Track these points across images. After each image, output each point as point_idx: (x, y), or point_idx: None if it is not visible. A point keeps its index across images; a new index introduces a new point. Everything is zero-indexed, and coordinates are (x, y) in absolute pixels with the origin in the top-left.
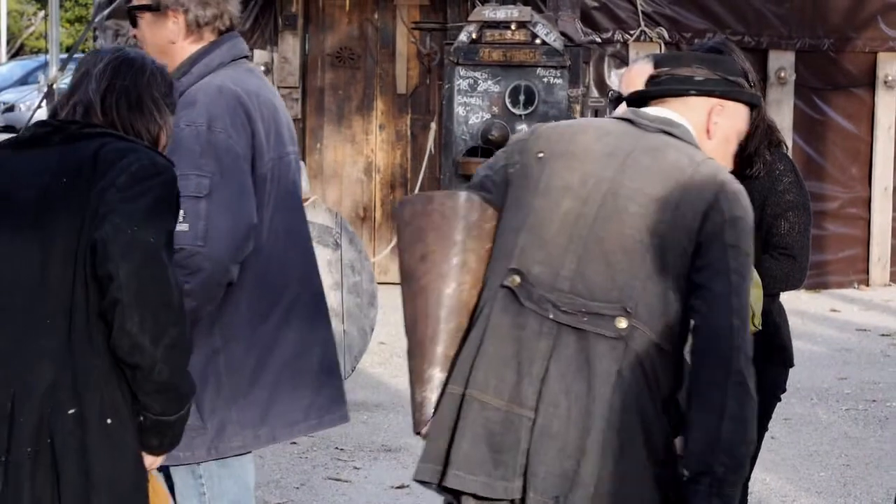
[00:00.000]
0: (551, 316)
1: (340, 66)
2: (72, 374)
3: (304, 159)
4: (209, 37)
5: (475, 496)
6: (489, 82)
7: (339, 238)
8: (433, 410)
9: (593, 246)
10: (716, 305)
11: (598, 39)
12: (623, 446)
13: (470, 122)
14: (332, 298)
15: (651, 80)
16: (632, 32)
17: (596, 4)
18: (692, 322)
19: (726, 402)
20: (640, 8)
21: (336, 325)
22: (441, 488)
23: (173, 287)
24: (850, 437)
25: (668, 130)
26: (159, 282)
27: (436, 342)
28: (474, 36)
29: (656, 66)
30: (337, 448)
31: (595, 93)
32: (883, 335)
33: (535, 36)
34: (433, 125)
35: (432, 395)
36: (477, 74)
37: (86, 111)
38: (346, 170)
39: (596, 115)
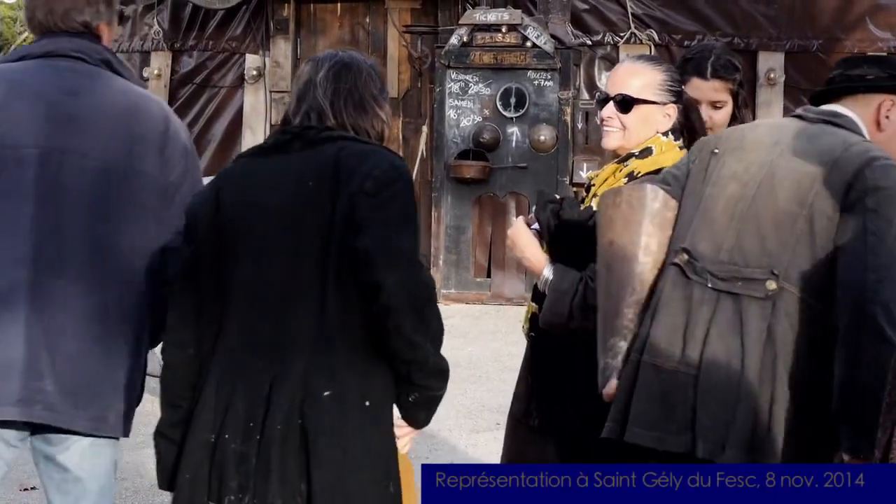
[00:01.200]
0: (710, 285)
1: None
2: (326, 363)
3: None
4: (35, 37)
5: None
6: (480, 85)
7: None
8: (613, 375)
9: (751, 221)
10: (852, 261)
11: (589, 42)
12: (773, 395)
13: (461, 124)
14: None
15: (828, 82)
16: (622, 35)
17: (586, 7)
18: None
19: (861, 349)
20: (630, 10)
21: None
22: (621, 445)
23: (431, 284)
24: None
25: (832, 120)
26: (421, 283)
27: (619, 315)
28: (465, 39)
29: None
30: None
31: (586, 95)
32: None
33: (525, 39)
34: (425, 128)
35: (613, 362)
36: (468, 77)
37: (319, 117)
38: None
39: (586, 118)
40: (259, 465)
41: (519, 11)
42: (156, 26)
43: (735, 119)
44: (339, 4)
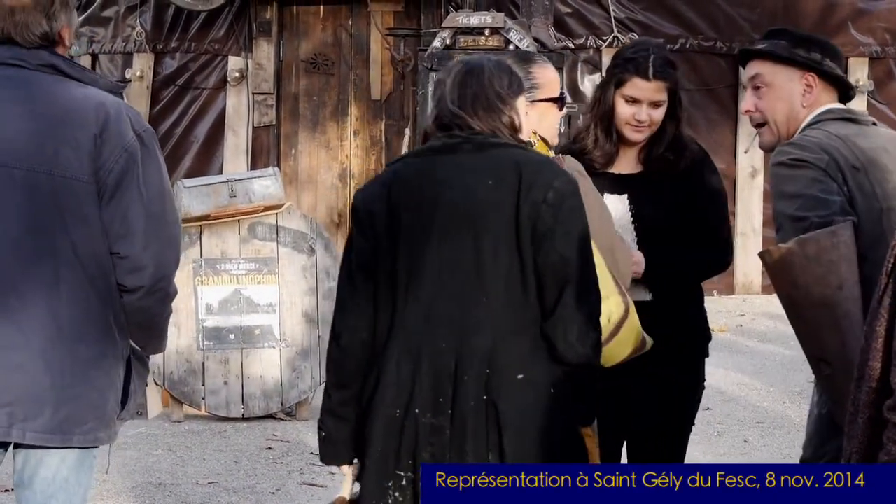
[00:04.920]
0: None
1: (315, 72)
2: (511, 345)
3: (278, 165)
4: None
5: None
6: None
7: (314, 244)
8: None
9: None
10: None
11: (572, 45)
12: None
13: None
14: (308, 303)
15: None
16: (605, 38)
17: (569, 11)
18: None
19: None
20: (612, 14)
21: (311, 331)
22: None
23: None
24: None
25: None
26: (594, 296)
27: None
28: (448, 42)
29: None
30: (312, 453)
31: (568, 98)
32: None
33: (508, 42)
34: (407, 131)
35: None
36: None
37: (458, 126)
38: (320, 175)
39: (568, 121)
40: (453, 437)
41: (502, 15)
42: (138, 28)
43: (674, 117)
44: (321, 7)
